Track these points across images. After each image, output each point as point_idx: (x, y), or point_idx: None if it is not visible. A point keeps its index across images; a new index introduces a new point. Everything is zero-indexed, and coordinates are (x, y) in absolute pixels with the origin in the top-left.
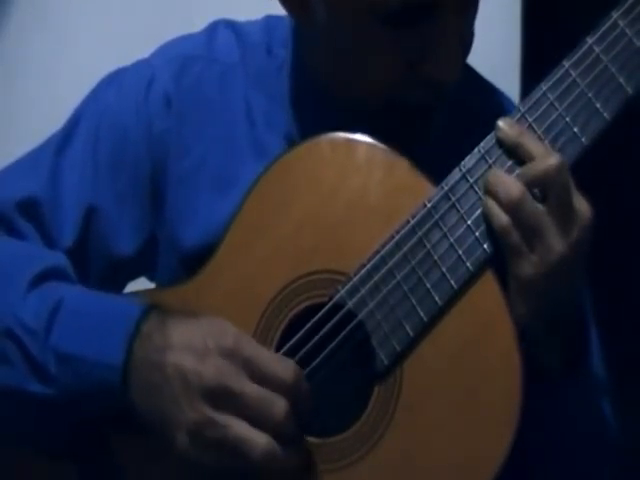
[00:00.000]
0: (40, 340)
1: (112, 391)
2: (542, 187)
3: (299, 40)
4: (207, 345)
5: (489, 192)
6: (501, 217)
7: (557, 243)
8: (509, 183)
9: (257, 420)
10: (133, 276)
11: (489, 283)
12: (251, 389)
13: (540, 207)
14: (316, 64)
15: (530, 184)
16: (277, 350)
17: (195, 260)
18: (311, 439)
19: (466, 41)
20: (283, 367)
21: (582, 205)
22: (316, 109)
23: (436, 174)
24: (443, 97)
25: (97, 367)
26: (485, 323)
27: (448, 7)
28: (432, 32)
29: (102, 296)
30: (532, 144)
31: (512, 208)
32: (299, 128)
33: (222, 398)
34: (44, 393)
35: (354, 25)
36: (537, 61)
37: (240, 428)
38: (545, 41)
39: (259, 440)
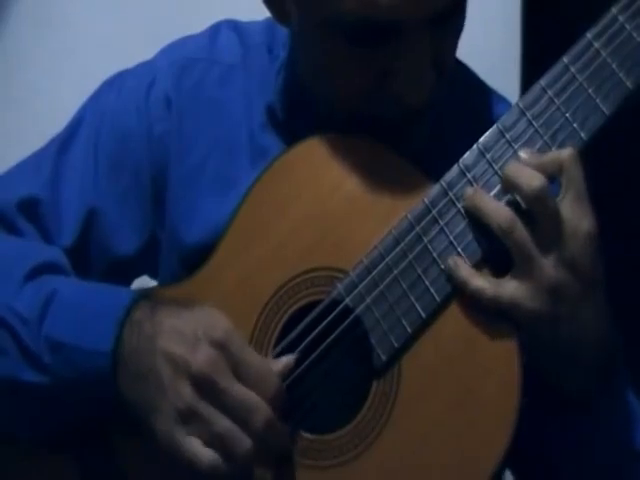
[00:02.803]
0: (33, 329)
1: (102, 378)
2: (559, 173)
3: (293, 41)
4: (197, 334)
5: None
6: (486, 286)
7: (550, 267)
8: (499, 208)
9: (238, 422)
10: (134, 275)
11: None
12: (236, 390)
13: (529, 232)
14: (302, 67)
15: (549, 167)
16: (276, 345)
17: (196, 259)
18: (309, 436)
19: (442, 63)
20: (269, 377)
21: (581, 215)
22: (310, 111)
23: (433, 173)
24: (416, 115)
25: (88, 354)
26: (483, 319)
27: (414, 31)
28: (399, 52)
29: (95, 286)
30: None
31: (509, 228)
32: (295, 129)
33: (207, 390)
34: (38, 381)
35: (322, 37)
36: (537, 60)
37: (223, 423)
38: (545, 40)
39: (243, 442)
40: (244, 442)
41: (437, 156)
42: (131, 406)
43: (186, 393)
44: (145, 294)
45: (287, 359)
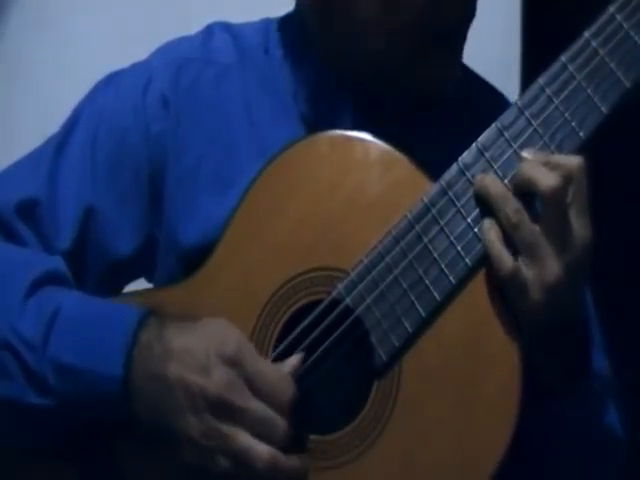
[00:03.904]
0: (38, 352)
1: (113, 402)
2: (567, 180)
3: (306, 30)
4: (209, 355)
5: (494, 209)
6: (508, 261)
7: (554, 263)
8: (510, 199)
9: (259, 436)
10: (132, 277)
11: (488, 278)
12: (254, 407)
13: (536, 227)
14: (328, 46)
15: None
16: (276, 346)
17: (194, 259)
18: (311, 436)
19: None
20: (284, 386)
21: (584, 225)
22: (323, 102)
23: (435, 172)
24: (453, 36)
25: (96, 378)
26: (484, 319)
27: None
28: None
29: (100, 303)
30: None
31: (513, 225)
32: (307, 124)
33: (226, 411)
34: (43, 405)
35: None
36: (537, 60)
37: (245, 439)
38: (545, 40)
39: (263, 451)
40: (265, 455)
41: (439, 153)
42: (148, 427)
43: (205, 416)
44: (151, 309)
45: (294, 359)
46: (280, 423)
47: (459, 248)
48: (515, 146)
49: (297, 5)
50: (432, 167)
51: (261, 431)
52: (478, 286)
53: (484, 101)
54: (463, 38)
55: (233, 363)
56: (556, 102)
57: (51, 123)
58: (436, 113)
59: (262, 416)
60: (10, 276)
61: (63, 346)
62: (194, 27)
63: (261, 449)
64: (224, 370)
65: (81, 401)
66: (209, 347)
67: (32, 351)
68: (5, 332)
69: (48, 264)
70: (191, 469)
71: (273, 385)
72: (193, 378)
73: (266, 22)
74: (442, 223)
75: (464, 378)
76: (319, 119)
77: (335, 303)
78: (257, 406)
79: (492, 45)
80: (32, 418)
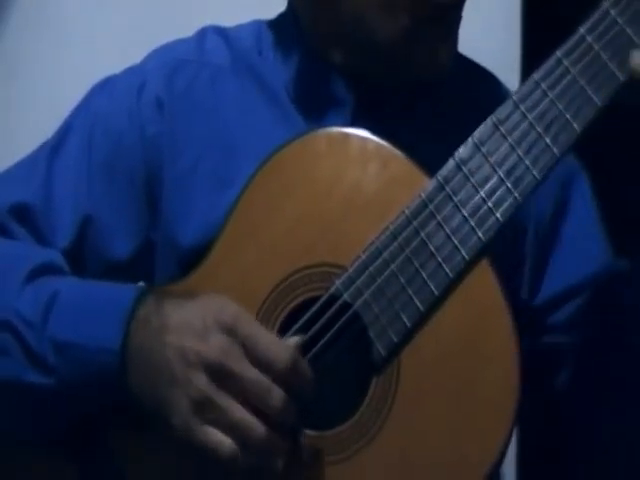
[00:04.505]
0: (37, 330)
1: (110, 377)
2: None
3: (300, 29)
4: (206, 322)
5: None
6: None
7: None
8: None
9: (255, 405)
10: (130, 282)
11: (485, 272)
12: (251, 373)
13: None
14: (324, 42)
15: None
16: None
17: (194, 260)
18: (309, 432)
19: None
20: (280, 350)
21: None
22: (320, 100)
23: (435, 165)
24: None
25: (95, 353)
26: (482, 313)
27: None
28: None
29: (97, 283)
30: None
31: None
32: (304, 122)
33: (222, 377)
34: (43, 383)
35: None
36: (537, 60)
37: (239, 413)
38: (545, 40)
39: (256, 427)
40: (259, 430)
41: (439, 146)
42: (142, 402)
43: (200, 383)
44: (149, 287)
45: (294, 339)
46: (276, 391)
47: (456, 242)
48: (510, 140)
49: (289, 3)
50: (432, 160)
51: (257, 399)
52: (476, 281)
53: (484, 90)
54: (459, 18)
55: (230, 330)
56: (551, 96)
57: (50, 123)
58: (435, 106)
59: (258, 382)
60: (8, 266)
61: (62, 324)
62: (194, 28)
63: (255, 426)
64: (221, 336)
65: (80, 378)
66: (206, 315)
67: (32, 330)
68: (4, 312)
69: (45, 256)
70: (190, 465)
71: (270, 348)
72: (190, 345)
73: (258, 24)
74: (439, 218)
75: (462, 375)
76: (316, 117)
77: (333, 299)
78: (253, 373)
79: (492, 44)
80: (32, 401)
